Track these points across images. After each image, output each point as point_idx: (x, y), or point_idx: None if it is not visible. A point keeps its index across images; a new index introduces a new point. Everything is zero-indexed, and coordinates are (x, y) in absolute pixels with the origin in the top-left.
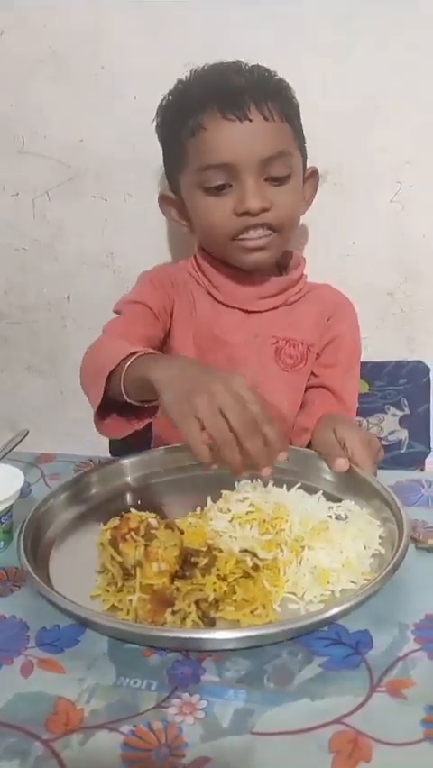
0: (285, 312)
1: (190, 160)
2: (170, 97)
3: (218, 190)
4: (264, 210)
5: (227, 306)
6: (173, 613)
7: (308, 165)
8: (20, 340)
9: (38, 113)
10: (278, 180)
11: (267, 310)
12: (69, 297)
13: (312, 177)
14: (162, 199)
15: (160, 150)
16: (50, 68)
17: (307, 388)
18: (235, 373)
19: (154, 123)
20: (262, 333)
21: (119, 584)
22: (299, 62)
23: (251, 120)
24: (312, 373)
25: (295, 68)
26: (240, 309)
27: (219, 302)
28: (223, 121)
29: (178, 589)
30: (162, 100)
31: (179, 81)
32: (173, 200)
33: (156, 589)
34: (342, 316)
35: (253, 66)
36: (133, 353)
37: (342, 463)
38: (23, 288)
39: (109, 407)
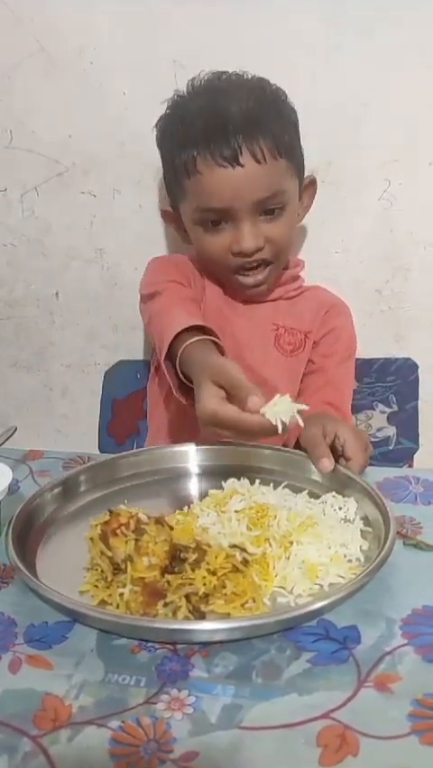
0: (284, 304)
1: (189, 198)
2: (168, 113)
3: (215, 225)
4: (259, 249)
5: (231, 297)
6: (165, 605)
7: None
8: (8, 336)
9: (26, 108)
10: (272, 213)
11: (267, 301)
12: (57, 293)
13: (311, 186)
14: (165, 214)
15: (148, 145)
16: (39, 63)
17: (304, 375)
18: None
19: (154, 133)
20: (263, 321)
21: (109, 579)
22: (287, 60)
23: (243, 165)
24: (310, 361)
25: (282, 66)
26: (242, 301)
27: (227, 294)
28: (216, 167)
29: (168, 582)
30: (160, 118)
31: (178, 96)
32: (174, 216)
33: (147, 581)
34: (338, 312)
35: (247, 89)
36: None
37: (326, 463)
38: (10, 283)
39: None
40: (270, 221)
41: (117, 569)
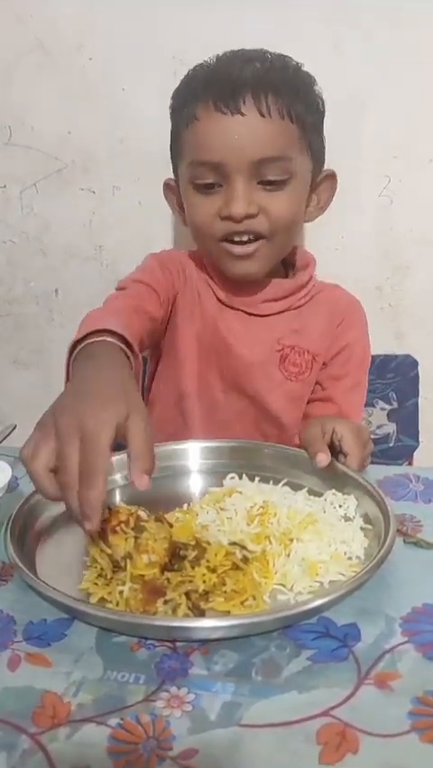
0: (291, 316)
1: (185, 153)
2: (182, 80)
3: (208, 189)
4: (250, 217)
5: (230, 306)
6: (165, 603)
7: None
8: (7, 333)
9: (25, 104)
10: (273, 184)
11: (271, 314)
12: (56, 291)
13: (328, 179)
14: (166, 187)
15: (148, 142)
16: (38, 60)
17: (311, 401)
18: (130, 403)
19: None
20: (266, 339)
21: (108, 576)
22: None
23: (243, 114)
24: (319, 384)
25: None
26: (242, 311)
27: (221, 301)
28: (215, 113)
29: (168, 580)
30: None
31: (197, 65)
32: (175, 189)
33: (147, 579)
34: (352, 323)
35: (276, 55)
36: (98, 332)
37: (323, 458)
38: (10, 281)
39: None
40: (269, 192)
41: (117, 566)
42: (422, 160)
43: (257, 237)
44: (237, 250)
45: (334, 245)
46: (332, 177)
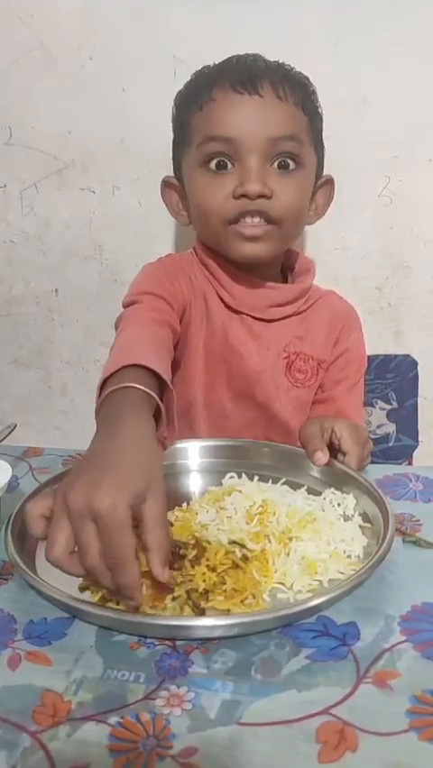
0: (296, 322)
1: (194, 136)
2: (189, 79)
3: (219, 169)
4: (263, 196)
5: (237, 312)
6: (173, 599)
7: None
8: (7, 333)
9: (25, 104)
10: (284, 169)
11: (278, 320)
12: (56, 290)
13: (326, 185)
14: (165, 185)
15: (148, 141)
16: (38, 59)
17: (313, 403)
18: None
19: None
20: (273, 346)
21: None
22: (287, 57)
23: (262, 96)
24: (320, 387)
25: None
26: (250, 316)
27: (229, 306)
28: (232, 93)
29: (174, 577)
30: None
31: (204, 66)
32: (176, 186)
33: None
34: (350, 329)
35: (281, 62)
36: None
37: (320, 455)
38: (9, 280)
39: None
40: (281, 176)
41: None
42: (422, 159)
43: (267, 221)
44: (248, 231)
45: (334, 245)
46: (330, 182)
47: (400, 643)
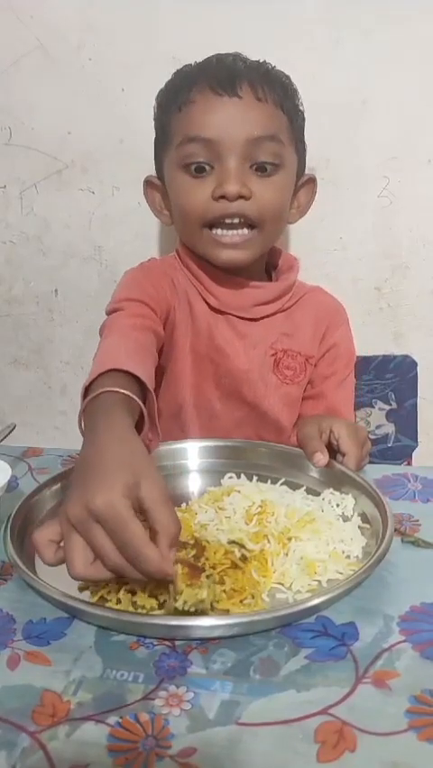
0: (281, 319)
1: (174, 136)
2: (170, 78)
3: (198, 172)
4: (242, 197)
5: (221, 312)
6: (207, 577)
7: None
8: (6, 333)
9: (25, 105)
10: (264, 171)
11: (263, 318)
12: (56, 291)
13: (309, 184)
14: (147, 184)
15: (147, 142)
16: (37, 60)
17: (303, 399)
18: (146, 469)
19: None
20: (260, 344)
21: None
22: (286, 57)
23: (241, 97)
24: (310, 384)
25: (282, 64)
26: (235, 316)
27: (213, 308)
28: (211, 95)
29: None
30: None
31: (184, 65)
32: (158, 186)
33: (184, 557)
34: (337, 324)
35: (261, 61)
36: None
37: (319, 457)
38: (9, 281)
39: None
40: (261, 177)
41: None
42: (421, 160)
43: (246, 224)
44: (226, 239)
45: (333, 245)
46: (312, 181)
47: (398, 643)
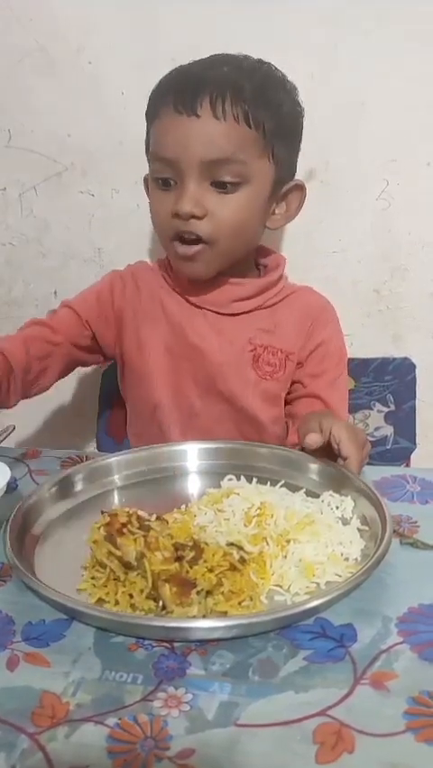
0: (262, 316)
1: (150, 148)
2: (156, 84)
3: (165, 186)
4: (195, 217)
5: (199, 307)
6: (197, 593)
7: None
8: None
9: (25, 107)
10: (223, 188)
11: (241, 313)
12: (55, 293)
13: (296, 190)
14: (144, 182)
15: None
16: (37, 63)
17: (295, 399)
18: None
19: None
20: (237, 339)
21: (122, 578)
22: (285, 59)
23: (198, 116)
24: (299, 383)
25: (281, 66)
26: (212, 311)
27: (191, 303)
28: (173, 113)
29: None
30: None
31: (176, 67)
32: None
33: (174, 573)
34: (325, 321)
35: (251, 60)
36: None
37: (314, 437)
38: (9, 283)
39: None
40: (219, 194)
41: (128, 567)
42: (420, 162)
43: (199, 241)
44: (181, 250)
45: (332, 248)
46: (300, 188)
47: (397, 644)
